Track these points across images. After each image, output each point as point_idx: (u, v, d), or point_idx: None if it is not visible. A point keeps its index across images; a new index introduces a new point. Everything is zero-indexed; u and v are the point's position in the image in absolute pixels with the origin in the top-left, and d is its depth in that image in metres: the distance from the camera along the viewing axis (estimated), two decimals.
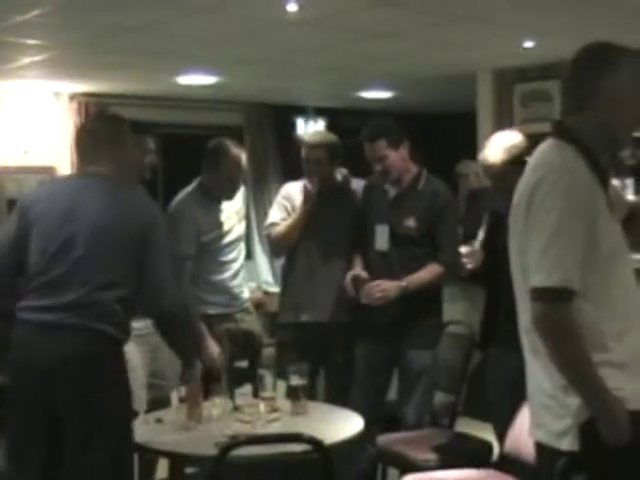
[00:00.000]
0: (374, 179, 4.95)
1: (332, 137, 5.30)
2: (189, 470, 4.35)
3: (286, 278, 5.41)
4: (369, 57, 6.31)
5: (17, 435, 3.54)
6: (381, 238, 4.78)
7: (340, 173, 5.30)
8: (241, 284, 5.34)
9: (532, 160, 2.69)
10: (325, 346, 5.06)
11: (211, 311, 5.11)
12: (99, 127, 3.84)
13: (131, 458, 3.62)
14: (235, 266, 5.27)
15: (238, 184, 5.28)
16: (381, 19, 5.08)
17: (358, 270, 4.80)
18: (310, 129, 8.86)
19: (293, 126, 9.01)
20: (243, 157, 5.28)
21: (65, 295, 3.44)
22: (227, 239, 5.22)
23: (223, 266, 5.20)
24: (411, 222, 4.73)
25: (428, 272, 4.71)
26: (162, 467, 4.64)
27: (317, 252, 5.19)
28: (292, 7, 4.57)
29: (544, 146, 2.66)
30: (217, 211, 5.22)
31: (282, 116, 8.90)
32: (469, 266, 4.24)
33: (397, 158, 4.75)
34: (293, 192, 5.36)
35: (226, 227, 5.23)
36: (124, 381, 3.58)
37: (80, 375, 3.40)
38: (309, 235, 5.22)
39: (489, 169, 4.15)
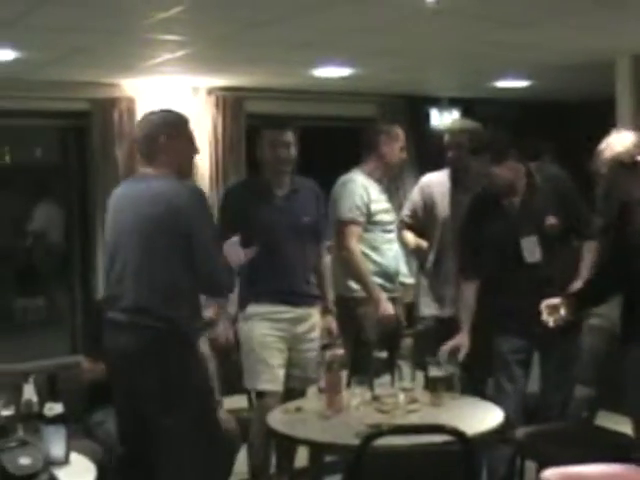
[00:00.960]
0: (485, 190, 4.81)
1: (474, 124, 5.35)
2: (328, 458, 4.41)
3: (425, 270, 5.45)
4: (505, 46, 6.23)
5: (116, 411, 4.08)
6: (530, 250, 4.62)
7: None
8: (398, 271, 5.47)
9: None
10: None
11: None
12: (144, 126, 4.09)
13: (206, 442, 3.85)
14: (395, 247, 5.41)
15: (398, 161, 5.58)
16: (519, 7, 5.01)
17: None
18: (445, 120, 8.81)
19: (427, 117, 8.93)
20: (401, 135, 5.52)
21: (123, 302, 3.85)
22: (390, 216, 5.52)
23: (386, 244, 5.46)
24: (552, 219, 4.62)
25: (591, 254, 4.67)
26: (301, 455, 4.71)
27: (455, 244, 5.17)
28: None
29: None
30: (381, 190, 5.52)
31: (416, 107, 8.84)
32: (551, 324, 4.24)
33: (503, 172, 4.60)
34: (431, 183, 5.39)
35: (387, 205, 5.53)
36: (189, 372, 3.86)
37: (145, 368, 3.79)
38: (447, 228, 5.22)
39: (600, 173, 4.09)
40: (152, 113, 4.15)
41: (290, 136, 4.93)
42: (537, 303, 4.51)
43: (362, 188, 5.41)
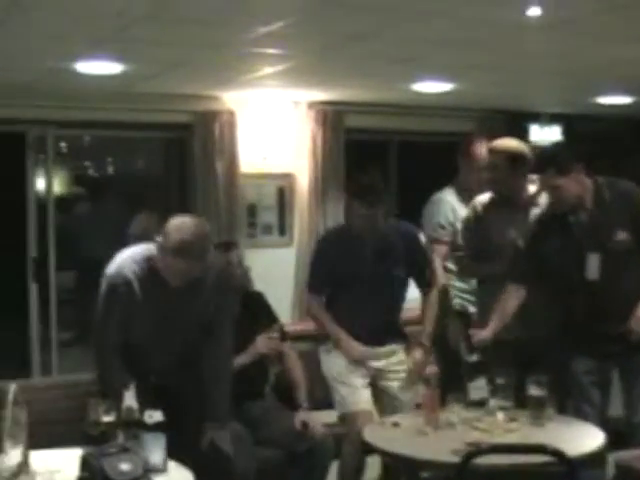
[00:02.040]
0: (551, 210, 4.69)
1: (517, 145, 5.16)
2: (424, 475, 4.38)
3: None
4: (609, 61, 6.12)
5: None
6: (592, 267, 4.49)
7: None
8: None
9: None
10: (534, 359, 4.84)
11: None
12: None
13: None
14: None
15: (478, 178, 5.43)
16: (624, 22, 4.92)
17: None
18: (544, 136, 8.69)
19: (526, 133, 8.81)
20: (483, 151, 5.45)
21: None
22: None
23: None
24: (622, 235, 4.49)
25: None
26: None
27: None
28: (534, 11, 4.48)
29: None
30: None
31: (515, 122, 8.72)
32: None
33: (570, 184, 4.48)
34: (482, 203, 5.20)
35: None
36: None
37: None
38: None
39: None
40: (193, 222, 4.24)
41: (376, 210, 4.71)
42: (608, 321, 4.44)
43: (448, 207, 5.49)
